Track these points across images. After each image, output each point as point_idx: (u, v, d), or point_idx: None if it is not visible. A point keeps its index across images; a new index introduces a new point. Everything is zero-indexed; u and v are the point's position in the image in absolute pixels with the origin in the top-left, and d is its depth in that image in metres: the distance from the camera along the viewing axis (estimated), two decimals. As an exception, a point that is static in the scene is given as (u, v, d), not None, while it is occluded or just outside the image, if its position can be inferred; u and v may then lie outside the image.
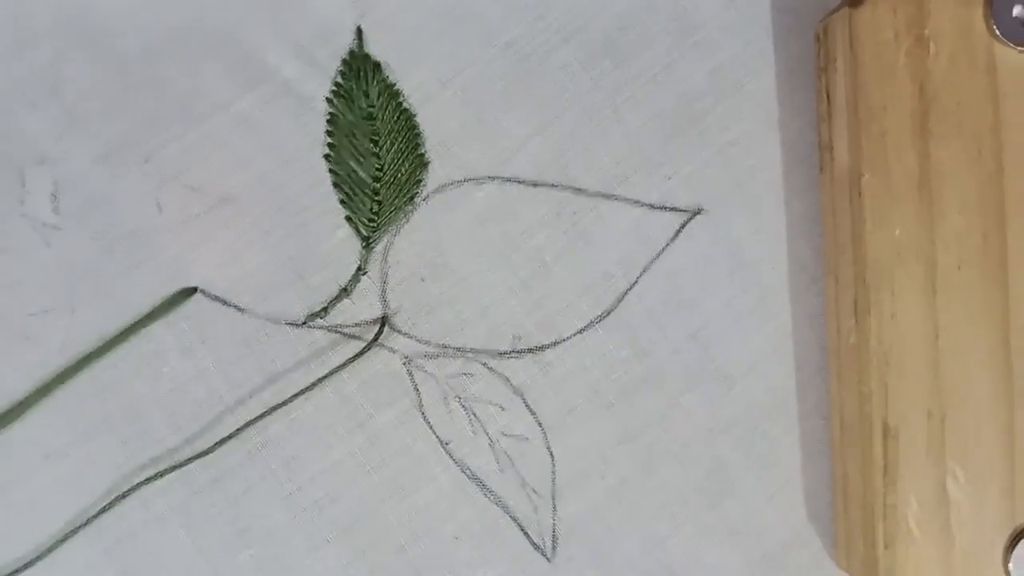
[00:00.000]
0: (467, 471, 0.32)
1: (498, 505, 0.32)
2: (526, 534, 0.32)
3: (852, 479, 0.32)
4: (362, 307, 0.33)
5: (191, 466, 0.32)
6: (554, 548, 0.32)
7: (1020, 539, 0.30)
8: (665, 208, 0.33)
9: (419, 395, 0.33)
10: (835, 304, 0.33)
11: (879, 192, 0.31)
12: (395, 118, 0.33)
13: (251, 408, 0.32)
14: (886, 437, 0.30)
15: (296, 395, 0.32)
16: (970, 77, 0.31)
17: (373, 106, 0.33)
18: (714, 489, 0.33)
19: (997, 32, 0.31)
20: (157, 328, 0.32)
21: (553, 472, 0.33)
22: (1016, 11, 0.31)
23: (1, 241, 0.32)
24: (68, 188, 0.32)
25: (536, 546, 0.32)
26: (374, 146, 0.33)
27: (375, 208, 0.33)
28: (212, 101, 0.33)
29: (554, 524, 0.32)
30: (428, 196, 0.33)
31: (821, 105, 0.33)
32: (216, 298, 0.32)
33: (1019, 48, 0.31)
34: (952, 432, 0.30)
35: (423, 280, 0.33)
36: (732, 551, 0.33)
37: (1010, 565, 0.30)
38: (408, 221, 0.33)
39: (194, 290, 0.32)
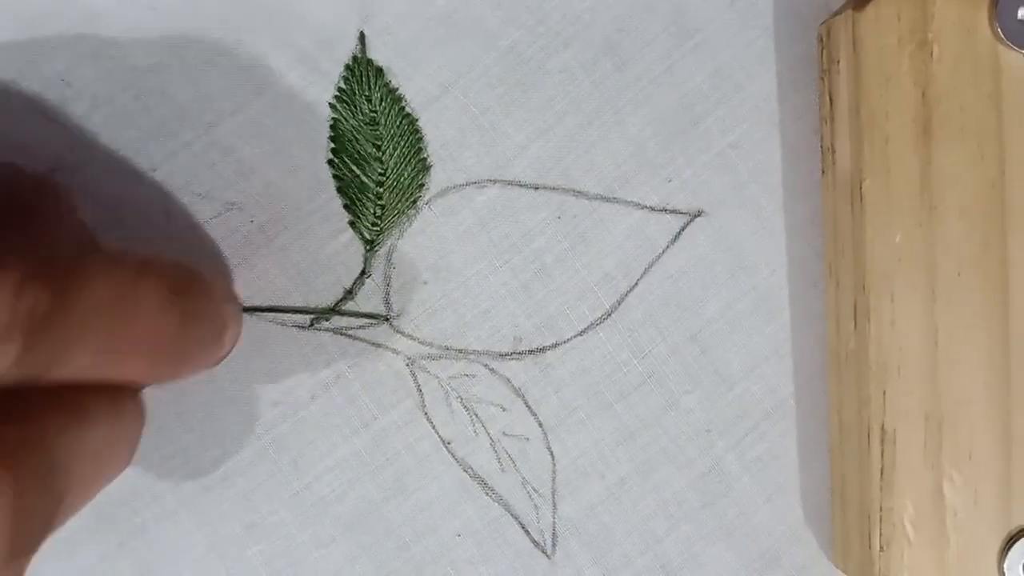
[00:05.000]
0: (469, 470, 0.33)
1: (499, 504, 0.33)
2: (526, 532, 0.33)
3: (849, 482, 0.32)
4: (366, 310, 0.33)
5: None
6: (554, 546, 0.33)
7: (1015, 542, 0.30)
8: (665, 211, 0.33)
9: (422, 396, 0.33)
10: (835, 308, 0.33)
11: (880, 197, 0.31)
12: (397, 123, 0.33)
13: (258, 409, 0.33)
14: (883, 441, 0.31)
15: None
16: (973, 80, 0.31)
17: (375, 111, 0.33)
18: (712, 489, 0.33)
19: (1001, 35, 0.30)
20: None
21: (553, 472, 0.33)
22: (1021, 13, 0.30)
23: (14, 249, 0.33)
24: (79, 199, 0.33)
25: (536, 544, 0.33)
26: (377, 151, 0.33)
27: (378, 212, 0.33)
28: (218, 109, 0.33)
29: (554, 522, 0.33)
30: (430, 200, 0.33)
31: (823, 107, 0.33)
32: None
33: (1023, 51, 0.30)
34: (949, 436, 0.30)
35: (425, 283, 0.33)
36: (729, 550, 0.33)
37: (1004, 567, 0.30)
38: (411, 225, 0.33)
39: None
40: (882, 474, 0.31)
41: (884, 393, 0.31)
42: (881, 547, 0.31)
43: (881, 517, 0.31)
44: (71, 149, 0.33)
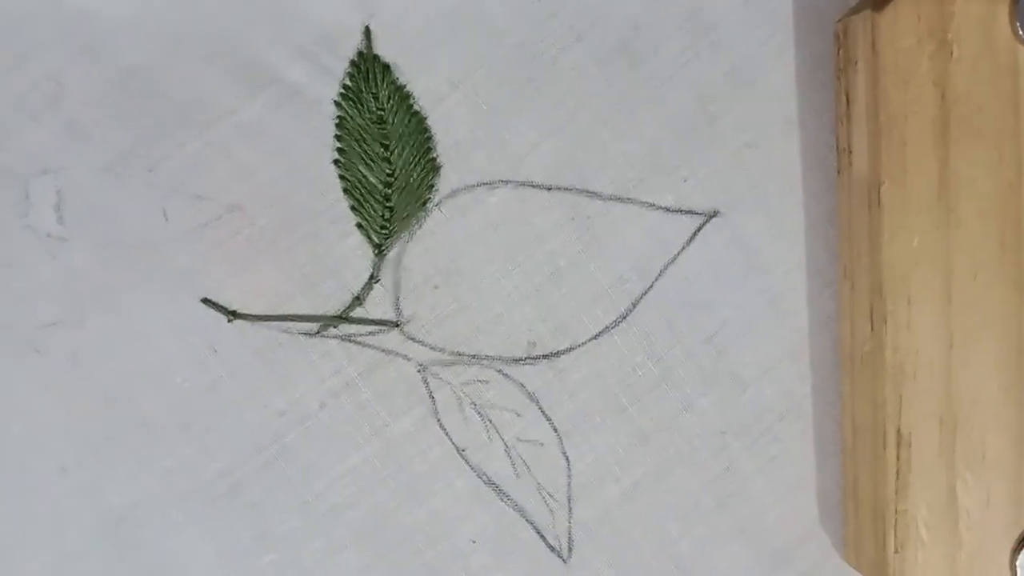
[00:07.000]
0: (483, 476, 0.33)
1: (514, 509, 0.33)
2: (542, 537, 0.33)
3: (863, 483, 0.32)
4: (376, 316, 0.32)
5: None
6: (570, 550, 0.33)
7: (1027, 542, 0.31)
8: (680, 211, 0.33)
9: (434, 402, 0.33)
10: (850, 310, 0.33)
11: (898, 201, 0.30)
12: (406, 121, 0.32)
13: (266, 418, 0.32)
14: (899, 444, 0.31)
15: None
16: (992, 80, 0.30)
17: (383, 109, 0.32)
18: (726, 490, 0.33)
19: (1022, 35, 0.30)
20: (168, 340, 0.32)
21: (569, 476, 0.33)
22: (1042, 13, 0.30)
23: (7, 254, 0.32)
24: (73, 199, 0.32)
25: (552, 548, 0.33)
26: (384, 150, 0.32)
27: (387, 214, 0.32)
28: (217, 108, 0.32)
29: (570, 527, 0.33)
30: (440, 201, 0.32)
31: (840, 107, 0.33)
32: (226, 309, 0.32)
33: (1044, 51, 0.30)
34: (963, 438, 0.31)
35: (436, 287, 0.33)
36: (743, 550, 0.33)
37: (1016, 565, 0.31)
38: (420, 227, 0.32)
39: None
40: (897, 476, 0.31)
41: (900, 397, 0.31)
42: (896, 548, 0.31)
43: (896, 519, 0.31)
44: (61, 150, 0.31)
